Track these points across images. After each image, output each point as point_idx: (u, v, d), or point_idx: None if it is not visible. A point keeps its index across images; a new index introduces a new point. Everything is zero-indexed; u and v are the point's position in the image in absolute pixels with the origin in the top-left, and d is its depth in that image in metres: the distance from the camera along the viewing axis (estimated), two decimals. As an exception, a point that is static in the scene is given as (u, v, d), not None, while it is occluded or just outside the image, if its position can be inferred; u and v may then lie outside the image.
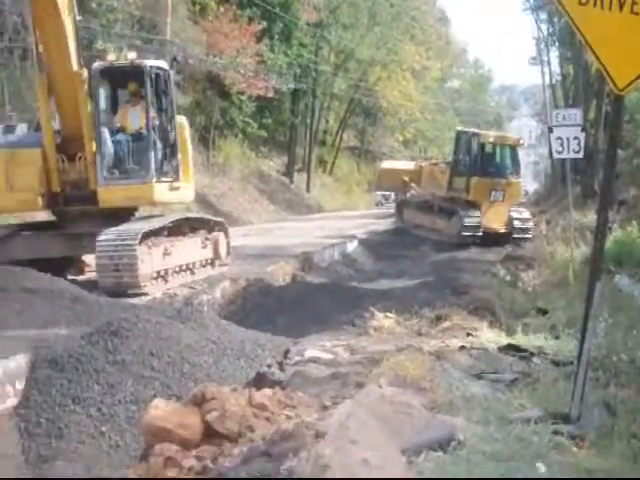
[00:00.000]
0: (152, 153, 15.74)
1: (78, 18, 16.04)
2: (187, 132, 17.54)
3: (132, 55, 16.88)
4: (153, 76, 15.94)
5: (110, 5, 35.14)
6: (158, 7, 37.18)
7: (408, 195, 33.41)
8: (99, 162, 15.70)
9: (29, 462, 8.56)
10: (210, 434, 6.00)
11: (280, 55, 45.41)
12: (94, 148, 15.83)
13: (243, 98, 42.16)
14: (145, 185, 15.66)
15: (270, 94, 42.68)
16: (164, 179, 16.16)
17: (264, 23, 42.09)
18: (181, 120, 17.58)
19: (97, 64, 16.38)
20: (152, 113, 16.09)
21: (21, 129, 16.53)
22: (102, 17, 34.42)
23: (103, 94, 16.45)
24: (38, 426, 8.90)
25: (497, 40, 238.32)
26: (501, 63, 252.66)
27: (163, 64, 17.23)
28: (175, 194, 16.67)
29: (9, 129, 16.30)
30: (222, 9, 41.19)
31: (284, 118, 52.58)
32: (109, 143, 15.82)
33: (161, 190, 16.04)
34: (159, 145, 16.10)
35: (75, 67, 15.48)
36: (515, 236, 28.49)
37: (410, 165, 36.23)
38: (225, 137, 43.90)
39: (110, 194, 15.62)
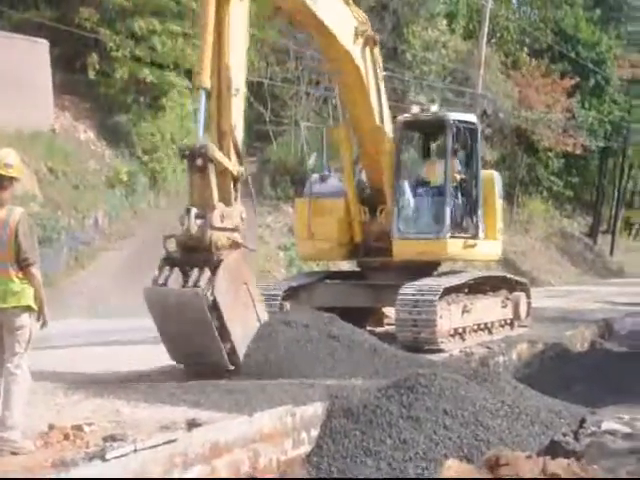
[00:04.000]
0: (448, 208, 15.51)
1: (384, 73, 16.29)
2: (497, 187, 17.17)
3: (435, 108, 16.87)
4: (456, 129, 15.68)
5: (424, 57, 35.86)
6: (471, 60, 37.49)
7: None
8: (396, 214, 15.78)
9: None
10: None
11: (591, 112, 44.35)
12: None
13: (550, 155, 41.51)
14: (438, 240, 15.47)
15: (578, 151, 41.73)
16: (461, 235, 15.85)
17: (576, 78, 41.36)
18: (490, 175, 17.34)
19: (401, 117, 16.48)
20: (456, 167, 16.00)
21: (333, 179, 16.87)
22: (416, 69, 35.17)
23: (407, 147, 16.52)
24: (329, 475, 8.91)
25: None
26: None
27: (470, 117, 17.05)
28: (473, 251, 16.24)
29: (324, 178, 16.77)
30: (535, 62, 40.90)
31: (591, 177, 51.26)
32: (408, 196, 15.87)
33: (455, 246, 15.72)
34: (459, 200, 15.95)
35: (377, 122, 15.60)
36: None
37: None
38: (530, 194, 43.41)
39: (404, 247, 15.62)
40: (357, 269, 17.34)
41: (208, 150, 10.60)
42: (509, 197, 40.62)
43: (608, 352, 17.81)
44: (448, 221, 15.48)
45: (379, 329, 16.66)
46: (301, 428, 9.15)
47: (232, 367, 10.78)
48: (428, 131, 16.75)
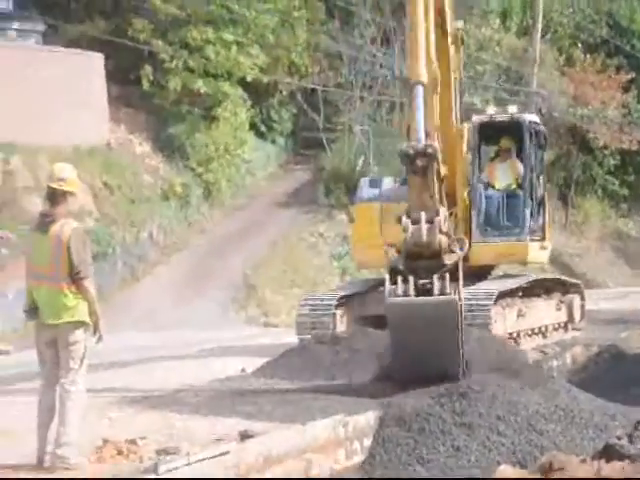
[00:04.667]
0: (527, 210, 15.45)
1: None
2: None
3: (513, 109, 16.46)
4: (532, 131, 15.65)
5: (478, 57, 35.53)
6: (525, 58, 37.09)
7: None
8: (475, 218, 15.48)
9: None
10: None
11: (647, 107, 43.66)
12: (465, 204, 15.57)
13: (606, 153, 40.94)
14: (519, 243, 15.41)
15: (634, 148, 41.07)
16: (534, 238, 15.80)
17: (632, 73, 40.78)
18: (540, 178, 17.25)
19: (477, 117, 16.22)
20: (520, 169, 15.79)
21: (387, 183, 16.31)
22: (470, 69, 34.91)
23: (478, 148, 16.19)
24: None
25: None
26: None
27: (536, 118, 16.91)
28: (543, 253, 16.27)
29: (374, 183, 16.51)
30: (590, 58, 40.36)
31: (648, 175, 50.41)
32: (485, 199, 15.65)
33: (534, 249, 15.72)
34: (529, 203, 15.76)
35: (456, 124, 15.20)
36: None
37: None
38: (585, 194, 42.79)
39: (483, 251, 15.32)
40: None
41: (434, 150, 10.06)
42: (564, 198, 40.08)
43: (663, 352, 17.59)
44: (528, 224, 15.45)
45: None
46: (354, 438, 9.18)
47: (462, 377, 10.45)
48: (499, 132, 16.33)
